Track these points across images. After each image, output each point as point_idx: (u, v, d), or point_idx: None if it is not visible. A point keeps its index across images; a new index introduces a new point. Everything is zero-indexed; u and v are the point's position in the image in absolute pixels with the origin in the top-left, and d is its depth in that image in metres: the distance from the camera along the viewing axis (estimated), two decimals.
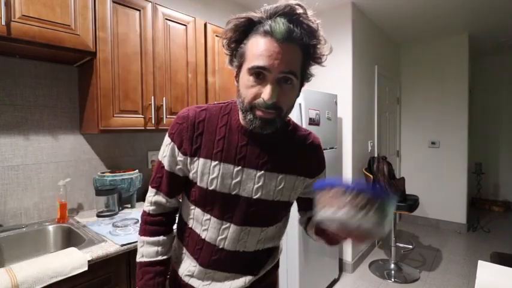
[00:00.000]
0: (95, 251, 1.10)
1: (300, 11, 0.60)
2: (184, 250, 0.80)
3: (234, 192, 0.71)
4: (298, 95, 0.69)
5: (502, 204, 4.62)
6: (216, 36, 1.96)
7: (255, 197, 0.71)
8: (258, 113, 0.63)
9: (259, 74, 0.61)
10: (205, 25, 1.89)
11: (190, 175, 0.74)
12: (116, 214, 1.57)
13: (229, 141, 0.71)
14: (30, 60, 1.44)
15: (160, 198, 0.77)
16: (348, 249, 2.79)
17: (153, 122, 1.60)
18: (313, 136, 0.80)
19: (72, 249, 1.09)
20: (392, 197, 0.52)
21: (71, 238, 1.37)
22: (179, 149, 0.72)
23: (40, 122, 1.48)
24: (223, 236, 0.73)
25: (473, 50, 4.11)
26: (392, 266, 2.79)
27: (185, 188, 0.78)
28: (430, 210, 4.04)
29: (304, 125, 2.07)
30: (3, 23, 1.08)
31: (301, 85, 0.69)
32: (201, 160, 0.71)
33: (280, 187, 0.73)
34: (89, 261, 1.05)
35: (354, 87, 2.78)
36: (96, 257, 1.08)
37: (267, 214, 0.75)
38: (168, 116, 1.67)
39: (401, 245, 3.01)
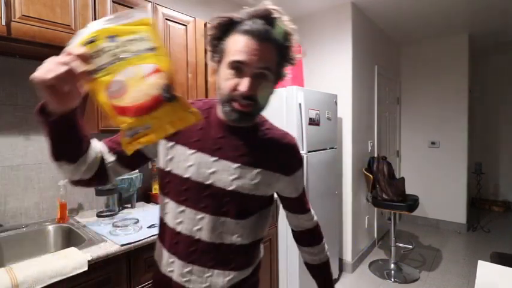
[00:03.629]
0: (95, 251, 1.10)
1: (276, 15, 0.66)
2: (163, 248, 0.80)
3: (208, 182, 0.73)
4: (272, 92, 0.74)
5: (502, 204, 4.62)
6: None
7: (229, 189, 0.73)
8: (235, 105, 0.67)
9: (237, 68, 0.66)
10: (205, 25, 1.89)
11: (162, 162, 0.76)
12: (116, 214, 1.57)
13: (207, 133, 0.75)
14: (30, 60, 1.43)
15: (100, 144, 0.75)
16: (347, 249, 2.79)
17: None
18: (289, 136, 0.83)
19: (72, 249, 1.09)
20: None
21: (71, 238, 1.37)
22: None
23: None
24: (199, 227, 0.73)
25: (473, 50, 4.11)
26: (392, 266, 2.79)
27: (160, 183, 0.80)
28: (430, 210, 4.04)
29: (304, 124, 2.07)
30: (3, 23, 1.08)
31: (276, 83, 0.74)
32: (179, 146, 0.75)
33: (255, 181, 0.75)
34: (89, 261, 1.04)
35: (353, 87, 2.78)
36: (96, 257, 1.08)
37: (242, 207, 0.76)
38: None
39: (401, 245, 3.00)
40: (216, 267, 0.75)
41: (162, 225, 0.80)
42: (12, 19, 1.11)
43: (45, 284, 0.93)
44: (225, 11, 2.49)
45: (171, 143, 0.75)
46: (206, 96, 1.91)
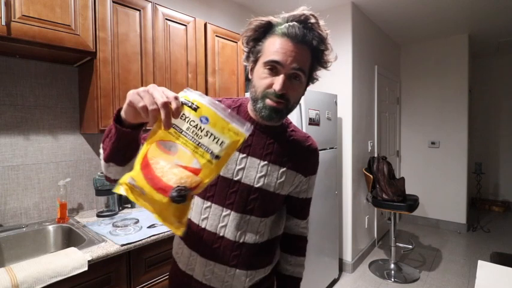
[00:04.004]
0: (95, 251, 1.10)
1: (313, 20, 0.70)
2: (184, 244, 0.80)
3: (236, 178, 0.75)
4: (303, 94, 0.77)
5: (502, 204, 4.62)
6: (216, 36, 1.96)
7: (256, 186, 0.75)
8: (268, 101, 0.70)
9: (273, 68, 0.69)
10: (205, 25, 1.89)
11: None
12: (116, 214, 1.57)
13: None
14: (30, 60, 1.44)
15: None
16: (347, 249, 2.79)
17: None
18: (311, 139, 0.87)
19: (72, 249, 1.09)
20: None
21: (71, 238, 1.37)
22: None
23: (40, 122, 1.49)
24: (224, 224, 0.75)
25: (473, 50, 4.11)
26: (392, 266, 2.79)
27: None
28: (430, 210, 4.04)
29: (304, 124, 2.07)
30: (3, 23, 1.08)
31: (307, 85, 0.77)
32: None
33: (281, 180, 0.77)
34: (89, 261, 1.05)
35: (353, 87, 2.78)
36: (96, 257, 1.08)
37: (267, 205, 0.77)
38: None
39: (401, 245, 3.01)
40: (238, 266, 0.76)
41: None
42: (12, 19, 1.11)
43: (45, 284, 0.93)
44: (226, 11, 2.48)
45: None
46: None
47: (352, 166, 2.80)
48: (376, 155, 3.34)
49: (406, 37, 3.81)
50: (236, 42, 2.10)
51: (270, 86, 0.69)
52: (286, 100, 0.70)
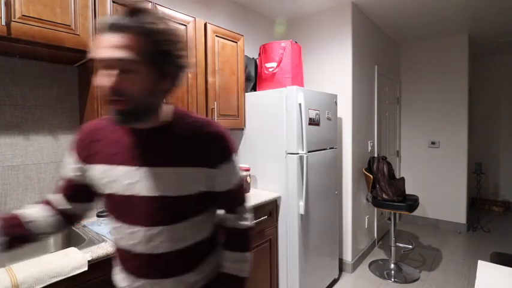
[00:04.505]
0: (95, 251, 1.10)
1: (134, 7, 0.62)
2: (117, 263, 0.81)
3: (132, 193, 0.71)
4: (155, 82, 0.65)
5: (502, 204, 4.62)
6: (216, 36, 1.96)
7: (155, 195, 0.70)
8: (111, 105, 0.63)
9: (99, 67, 0.62)
10: (205, 25, 1.89)
11: (91, 184, 0.79)
12: None
13: (122, 144, 0.73)
14: (30, 60, 1.43)
15: (55, 196, 0.82)
16: (347, 249, 2.79)
17: None
18: (212, 124, 0.75)
19: (72, 249, 1.09)
20: None
21: (71, 238, 1.37)
22: (72, 157, 0.79)
23: (40, 122, 1.48)
24: (136, 241, 0.72)
25: (473, 50, 4.11)
26: (392, 266, 2.79)
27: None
28: (430, 210, 4.04)
29: (304, 124, 2.06)
30: (3, 23, 1.08)
31: (161, 72, 0.65)
32: (98, 166, 0.74)
33: (177, 181, 0.71)
34: (89, 261, 1.05)
35: (353, 87, 2.78)
36: (96, 257, 1.08)
37: (174, 211, 0.72)
38: None
39: (401, 245, 3.01)
40: (165, 276, 0.74)
41: (113, 241, 0.81)
42: (12, 19, 1.11)
43: (45, 284, 0.93)
44: (226, 11, 2.47)
45: (89, 165, 0.76)
46: (206, 96, 1.91)
47: (352, 166, 2.80)
48: (376, 155, 3.34)
49: (406, 37, 3.81)
50: (236, 42, 2.10)
51: (104, 87, 0.62)
52: (124, 95, 0.61)
